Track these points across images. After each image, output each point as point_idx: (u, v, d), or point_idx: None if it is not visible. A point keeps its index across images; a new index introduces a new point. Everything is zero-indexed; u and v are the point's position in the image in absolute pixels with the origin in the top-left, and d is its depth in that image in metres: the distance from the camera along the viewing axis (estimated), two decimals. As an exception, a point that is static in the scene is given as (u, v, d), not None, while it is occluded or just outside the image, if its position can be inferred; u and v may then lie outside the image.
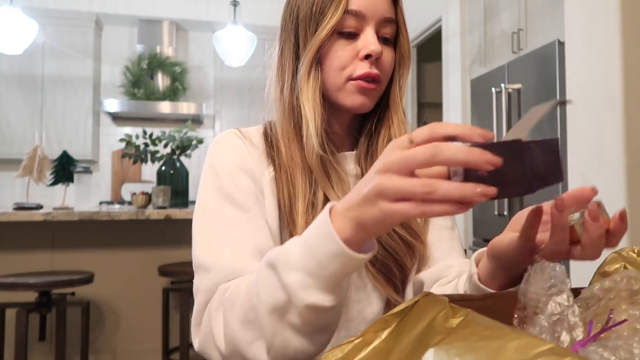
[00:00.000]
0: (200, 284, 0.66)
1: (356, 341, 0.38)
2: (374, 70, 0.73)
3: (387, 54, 0.76)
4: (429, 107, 5.05)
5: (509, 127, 2.93)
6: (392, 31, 0.77)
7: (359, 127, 0.83)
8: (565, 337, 0.37)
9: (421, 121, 4.99)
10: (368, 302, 0.75)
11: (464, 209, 0.43)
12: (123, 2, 4.74)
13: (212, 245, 0.68)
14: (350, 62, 0.74)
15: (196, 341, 0.64)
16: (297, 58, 0.77)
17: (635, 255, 0.52)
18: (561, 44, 2.50)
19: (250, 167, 0.75)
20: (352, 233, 0.48)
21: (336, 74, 0.75)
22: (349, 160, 0.80)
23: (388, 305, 0.76)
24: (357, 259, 0.48)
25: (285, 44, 0.79)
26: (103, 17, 4.78)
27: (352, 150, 0.82)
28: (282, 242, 0.71)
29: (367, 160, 0.80)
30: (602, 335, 0.37)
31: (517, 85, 2.87)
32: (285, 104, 0.77)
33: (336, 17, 0.72)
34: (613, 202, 1.93)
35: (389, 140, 0.77)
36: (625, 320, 0.37)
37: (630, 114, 1.89)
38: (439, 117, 4.41)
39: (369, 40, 0.73)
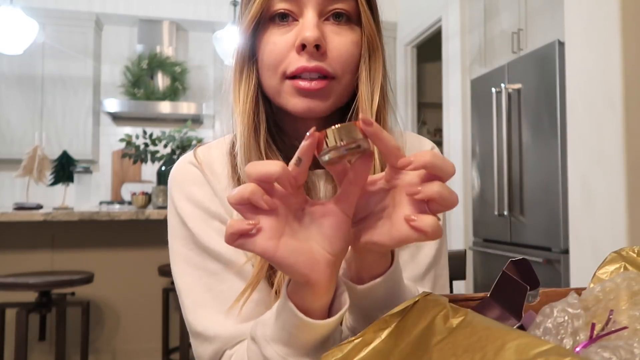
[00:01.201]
0: (203, 353, 0.60)
1: (356, 341, 0.38)
2: (312, 64, 0.58)
3: (339, 39, 0.60)
4: (429, 107, 5.05)
5: (508, 127, 2.93)
6: (350, 7, 0.60)
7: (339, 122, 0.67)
8: (567, 341, 0.37)
9: (420, 121, 4.99)
10: None
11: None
12: (123, 2, 4.73)
13: (204, 308, 0.60)
14: (286, 55, 0.59)
15: None
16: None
17: (635, 255, 0.52)
18: (561, 44, 2.50)
19: (216, 208, 0.63)
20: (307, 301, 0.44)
21: (270, 72, 0.60)
22: (320, 180, 0.65)
23: None
24: (323, 325, 0.45)
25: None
26: (103, 17, 4.78)
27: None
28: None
29: None
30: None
31: (517, 85, 2.87)
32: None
33: (259, 1, 0.59)
34: (613, 202, 1.93)
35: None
36: (626, 327, 0.37)
37: (630, 114, 1.89)
38: (439, 117, 4.41)
39: (303, 25, 0.58)
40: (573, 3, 2.13)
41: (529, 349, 0.27)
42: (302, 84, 0.58)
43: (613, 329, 0.37)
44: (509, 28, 3.14)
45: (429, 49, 4.62)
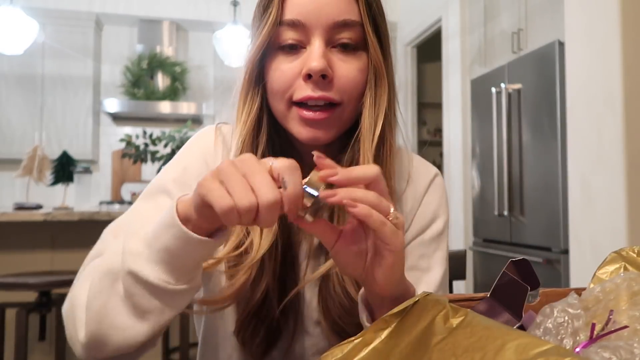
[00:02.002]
0: (92, 250, 0.66)
1: (356, 341, 0.38)
2: (317, 93, 0.59)
3: (346, 67, 0.61)
4: (429, 107, 5.05)
5: (508, 127, 2.93)
6: (356, 35, 0.61)
7: (344, 144, 0.67)
8: (567, 342, 0.37)
9: (421, 121, 4.99)
10: None
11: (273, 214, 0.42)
12: (123, 2, 4.73)
13: (126, 224, 0.65)
14: (292, 82, 0.60)
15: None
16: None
17: (635, 255, 0.52)
18: (561, 44, 2.50)
19: (198, 175, 0.67)
20: (194, 215, 0.46)
21: (278, 97, 0.62)
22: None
23: None
24: (190, 236, 0.46)
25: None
26: (103, 17, 4.78)
27: None
28: None
29: None
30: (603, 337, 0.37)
31: (517, 85, 2.87)
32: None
33: (266, 30, 0.60)
34: (613, 202, 1.93)
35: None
36: (626, 327, 0.37)
37: (630, 114, 1.88)
38: (439, 117, 4.41)
39: (309, 55, 0.59)
40: (573, 3, 2.13)
41: (529, 349, 0.27)
42: (307, 114, 0.60)
43: (613, 329, 0.37)
44: (509, 28, 3.14)
45: (429, 49, 4.62)
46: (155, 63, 4.76)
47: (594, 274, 0.52)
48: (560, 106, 2.50)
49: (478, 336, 0.31)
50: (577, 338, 0.37)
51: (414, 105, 4.61)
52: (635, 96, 1.88)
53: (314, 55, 0.58)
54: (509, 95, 2.93)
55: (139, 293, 0.49)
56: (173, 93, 4.80)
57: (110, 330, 0.51)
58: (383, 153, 0.64)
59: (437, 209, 0.73)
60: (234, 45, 3.66)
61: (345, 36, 0.60)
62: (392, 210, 0.46)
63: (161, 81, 4.81)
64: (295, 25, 0.59)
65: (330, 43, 0.61)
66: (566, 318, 0.38)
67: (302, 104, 0.60)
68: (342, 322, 0.65)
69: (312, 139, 0.61)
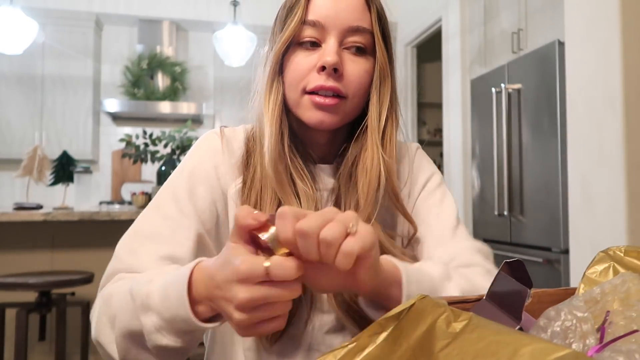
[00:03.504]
0: (108, 267, 0.69)
1: (349, 346, 0.36)
2: (329, 83, 0.68)
3: (355, 66, 0.70)
4: (429, 107, 5.04)
5: (508, 127, 2.93)
6: (366, 40, 0.71)
7: (347, 136, 0.77)
8: (577, 346, 0.36)
9: (421, 121, 4.99)
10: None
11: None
12: (123, 2, 4.73)
13: (138, 236, 0.69)
14: (307, 74, 0.70)
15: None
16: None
17: (622, 255, 0.52)
18: (561, 44, 2.50)
19: (212, 179, 0.73)
20: (204, 308, 0.51)
21: (293, 86, 0.71)
22: (325, 173, 0.76)
23: None
24: (203, 327, 0.51)
25: (270, 44, 0.76)
26: (103, 17, 4.77)
27: (334, 162, 0.77)
28: None
29: (343, 175, 0.74)
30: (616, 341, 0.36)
31: (517, 85, 2.87)
32: (257, 109, 0.76)
33: (291, 28, 0.70)
34: (613, 202, 1.93)
35: (363, 164, 0.72)
36: (636, 331, 0.36)
37: (630, 114, 1.88)
38: (439, 117, 4.41)
39: (325, 51, 0.69)
40: (573, 3, 2.13)
41: (545, 354, 0.26)
42: (318, 99, 0.69)
43: (625, 333, 0.37)
44: (509, 28, 3.14)
45: (429, 49, 4.61)
46: (155, 63, 4.75)
47: (584, 274, 0.52)
48: (560, 106, 2.50)
49: (487, 341, 0.30)
50: (587, 342, 0.36)
51: (414, 105, 4.61)
52: (635, 96, 1.88)
53: (329, 51, 0.68)
54: (509, 95, 2.93)
55: (165, 353, 0.56)
56: (173, 93, 4.79)
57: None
58: (386, 143, 0.74)
59: (427, 169, 0.84)
60: (234, 45, 3.66)
61: (356, 40, 0.70)
62: (348, 224, 0.45)
63: (161, 81, 4.81)
64: (315, 25, 0.69)
65: (343, 44, 0.70)
66: (574, 322, 0.37)
67: (313, 92, 0.70)
68: (354, 305, 0.68)
69: (319, 122, 0.71)
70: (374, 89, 0.72)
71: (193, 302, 0.50)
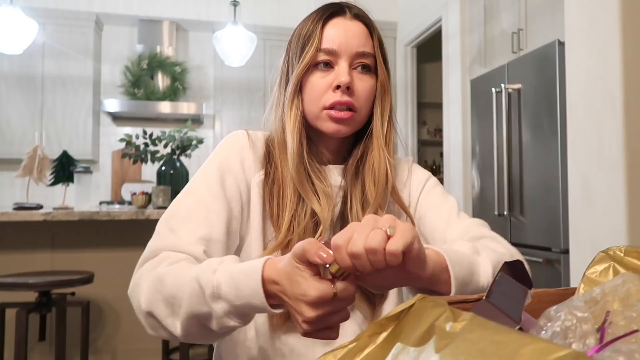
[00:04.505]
0: (151, 243, 0.77)
1: (350, 346, 0.36)
2: (344, 98, 0.83)
3: (363, 83, 0.85)
4: (429, 107, 5.04)
5: (508, 127, 2.93)
6: (370, 61, 0.86)
7: (353, 141, 0.91)
8: (577, 346, 0.36)
9: (421, 121, 4.99)
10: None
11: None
12: (123, 2, 4.73)
13: (176, 217, 0.78)
14: (325, 92, 0.84)
15: (131, 282, 0.74)
16: (288, 82, 0.87)
17: (622, 255, 0.52)
18: (561, 44, 2.49)
19: (238, 171, 0.85)
20: (272, 301, 0.59)
21: (313, 103, 0.85)
22: (334, 172, 0.89)
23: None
24: (274, 312, 0.60)
25: (286, 66, 0.89)
26: (103, 17, 4.77)
27: (342, 164, 0.91)
28: (264, 237, 0.83)
29: (350, 174, 0.88)
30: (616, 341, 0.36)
31: (517, 85, 2.87)
32: (278, 120, 0.88)
33: (310, 54, 0.84)
34: (613, 202, 1.93)
35: (370, 163, 0.87)
36: (637, 331, 0.36)
37: (630, 114, 1.88)
38: (439, 117, 4.41)
39: (339, 73, 0.83)
40: (573, 3, 2.12)
41: (545, 354, 0.26)
42: (334, 113, 0.84)
43: (625, 333, 0.36)
44: (509, 28, 3.14)
45: (429, 49, 4.61)
46: (155, 63, 4.75)
47: (584, 274, 0.52)
48: (560, 106, 2.50)
49: (488, 341, 0.30)
50: (587, 342, 0.36)
51: (414, 105, 4.61)
52: (635, 96, 1.88)
53: (343, 72, 0.83)
54: (509, 95, 2.93)
55: (228, 330, 0.65)
56: (173, 93, 4.79)
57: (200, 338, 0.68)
58: (388, 147, 0.89)
59: (424, 173, 0.97)
60: (234, 45, 3.65)
61: (362, 61, 0.85)
62: (385, 228, 0.53)
63: (161, 81, 4.81)
64: (329, 51, 0.84)
65: (352, 65, 0.85)
66: (574, 322, 0.37)
67: (330, 108, 0.84)
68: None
69: (336, 132, 0.85)
70: (377, 102, 0.88)
71: (266, 295, 0.59)
